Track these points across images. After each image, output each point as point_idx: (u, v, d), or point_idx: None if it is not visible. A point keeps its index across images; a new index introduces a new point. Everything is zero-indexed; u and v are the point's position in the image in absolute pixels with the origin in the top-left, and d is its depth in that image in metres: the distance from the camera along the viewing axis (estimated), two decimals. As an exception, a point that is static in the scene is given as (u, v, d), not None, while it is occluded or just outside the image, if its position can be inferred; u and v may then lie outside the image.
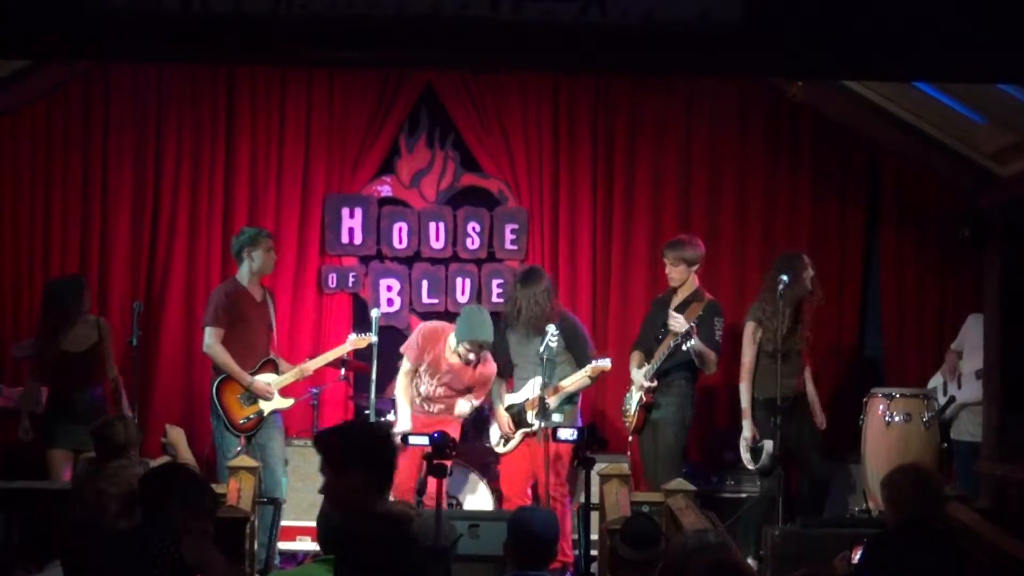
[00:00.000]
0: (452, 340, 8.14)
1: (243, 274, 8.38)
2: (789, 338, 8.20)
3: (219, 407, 8.19)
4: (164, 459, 6.81)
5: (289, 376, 8.31)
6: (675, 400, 8.27)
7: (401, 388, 8.24)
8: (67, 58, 8.25)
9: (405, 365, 8.27)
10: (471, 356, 8.07)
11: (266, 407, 8.22)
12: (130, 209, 9.45)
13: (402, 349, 8.34)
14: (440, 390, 8.22)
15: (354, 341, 8.50)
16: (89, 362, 8.32)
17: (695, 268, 8.42)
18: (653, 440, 8.31)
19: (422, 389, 8.25)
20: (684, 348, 8.14)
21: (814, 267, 8.38)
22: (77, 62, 8.84)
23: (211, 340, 8.28)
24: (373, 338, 8.44)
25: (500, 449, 8.43)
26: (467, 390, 8.22)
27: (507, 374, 8.42)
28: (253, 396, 8.21)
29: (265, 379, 8.24)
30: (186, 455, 6.83)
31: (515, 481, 8.37)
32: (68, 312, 8.30)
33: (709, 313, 8.28)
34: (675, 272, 8.40)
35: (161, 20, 5.63)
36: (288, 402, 8.32)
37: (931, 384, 8.57)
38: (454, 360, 8.16)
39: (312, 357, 8.66)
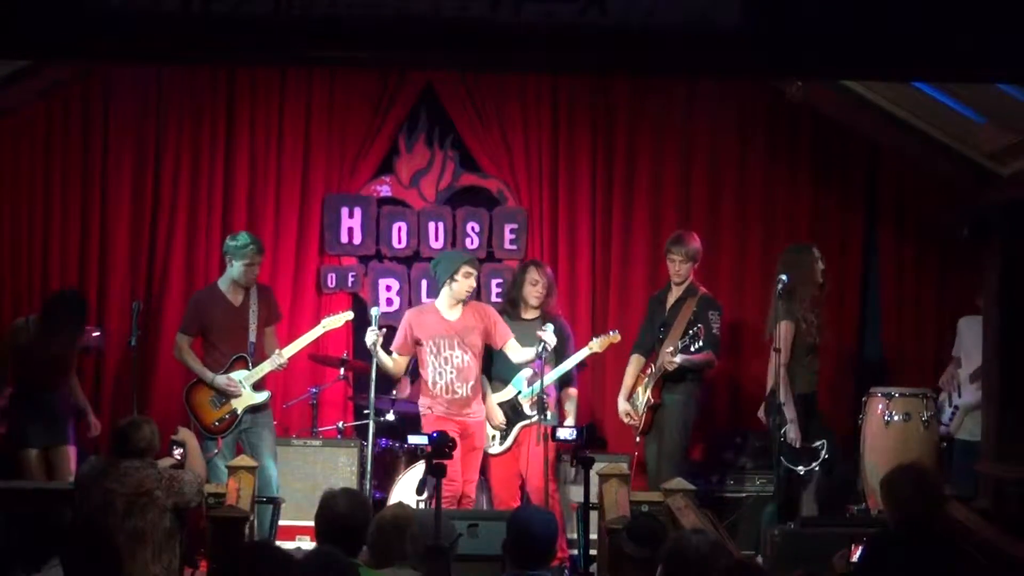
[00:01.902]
0: (444, 296, 8.19)
1: (224, 278, 8.35)
2: (820, 335, 8.21)
3: (189, 411, 8.22)
4: (169, 460, 6.84)
5: (264, 367, 8.19)
6: (680, 399, 8.27)
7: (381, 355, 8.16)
8: (67, 59, 8.24)
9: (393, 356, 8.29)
10: (472, 281, 8.18)
11: (238, 405, 8.17)
12: (129, 209, 9.44)
13: (392, 347, 8.32)
14: (467, 357, 8.12)
15: (327, 324, 8.45)
16: (64, 365, 8.40)
17: (696, 264, 8.46)
18: (658, 440, 8.32)
19: (451, 366, 8.12)
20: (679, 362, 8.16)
21: (824, 259, 8.35)
22: (77, 62, 8.83)
23: (179, 345, 8.35)
24: (349, 315, 8.55)
25: (494, 449, 8.40)
26: (485, 341, 8.20)
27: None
28: (225, 396, 8.20)
29: (236, 376, 8.18)
30: (196, 456, 6.84)
31: (506, 480, 8.36)
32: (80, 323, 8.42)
33: (703, 308, 8.29)
34: (683, 269, 8.43)
35: (161, 20, 5.63)
36: (263, 396, 8.21)
37: (939, 399, 8.52)
38: (455, 315, 8.17)
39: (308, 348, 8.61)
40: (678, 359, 8.12)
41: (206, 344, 8.35)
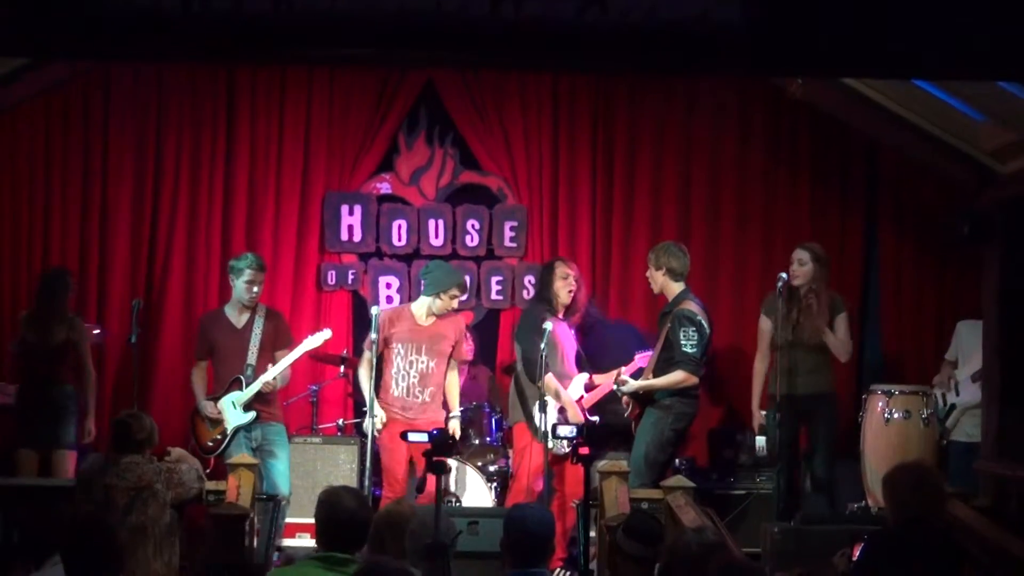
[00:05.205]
0: (423, 303, 8.22)
1: (232, 300, 8.40)
2: (799, 333, 8.20)
3: (191, 430, 8.35)
4: (176, 449, 6.90)
5: (253, 389, 8.20)
6: (655, 412, 8.08)
7: (364, 381, 8.17)
8: (66, 57, 8.23)
9: (365, 355, 8.23)
10: (455, 304, 8.23)
11: (229, 425, 8.20)
12: (130, 207, 9.45)
13: (364, 344, 8.32)
14: (432, 363, 8.17)
15: (307, 343, 8.36)
16: (61, 358, 8.33)
17: (662, 272, 8.19)
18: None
19: (415, 370, 8.16)
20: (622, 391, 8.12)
21: (812, 258, 8.29)
22: (76, 61, 8.82)
23: (192, 370, 8.46)
24: (327, 334, 8.47)
25: (564, 451, 8.06)
26: (452, 351, 8.27)
27: (539, 373, 7.97)
28: (218, 418, 8.23)
29: (231, 397, 8.20)
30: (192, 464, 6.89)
31: (532, 477, 8.26)
32: (60, 305, 8.33)
33: (676, 323, 8.02)
34: (649, 275, 8.34)
35: (161, 19, 5.62)
36: (249, 416, 8.17)
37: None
38: (428, 322, 8.22)
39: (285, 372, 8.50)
40: (625, 388, 8.06)
41: (212, 365, 8.40)
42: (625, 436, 8.47)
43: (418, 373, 8.18)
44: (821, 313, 8.22)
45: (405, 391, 8.18)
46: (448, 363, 8.32)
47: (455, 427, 8.29)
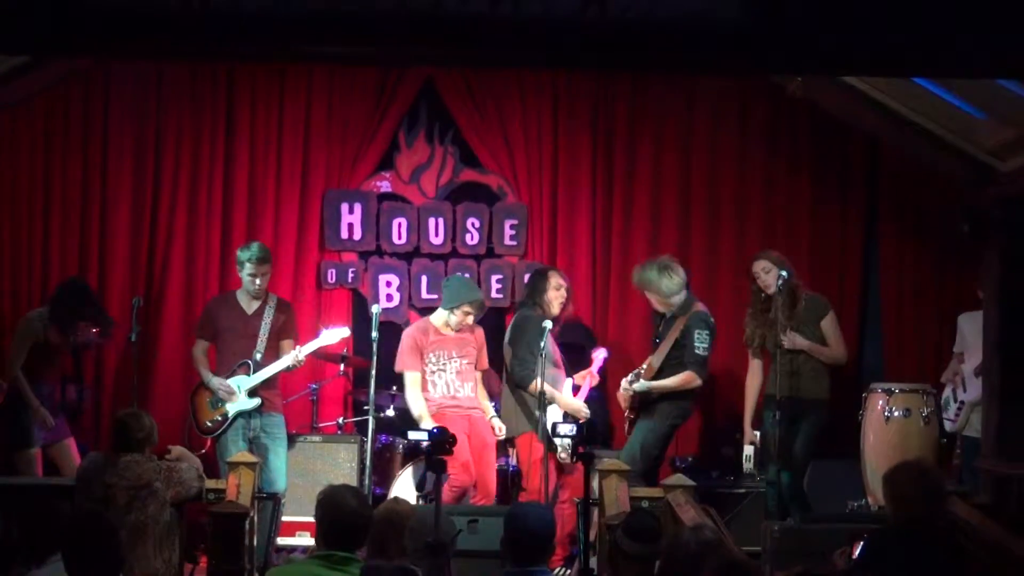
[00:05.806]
0: (441, 316, 8.42)
1: (242, 288, 8.44)
2: (769, 336, 8.26)
3: (191, 410, 8.36)
4: (176, 447, 6.91)
5: (262, 374, 8.22)
6: (661, 407, 8.21)
7: (416, 401, 8.29)
8: (64, 54, 8.22)
9: (410, 377, 8.36)
10: (469, 320, 8.39)
11: (231, 409, 8.21)
12: (130, 204, 9.44)
13: (398, 368, 8.43)
14: (465, 361, 8.41)
15: (327, 336, 8.45)
16: (60, 360, 8.41)
17: (671, 297, 8.33)
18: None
19: (451, 368, 8.36)
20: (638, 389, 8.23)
21: (781, 265, 8.30)
22: (75, 58, 8.82)
23: (194, 349, 8.47)
24: (346, 332, 8.62)
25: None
26: (476, 357, 8.48)
27: (533, 377, 8.19)
28: (220, 399, 8.23)
29: (237, 381, 8.22)
30: (192, 463, 6.89)
31: (541, 493, 8.27)
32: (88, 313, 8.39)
33: (691, 326, 8.20)
34: (655, 302, 8.41)
35: (160, 15, 5.61)
36: (254, 402, 8.20)
37: (944, 395, 8.54)
38: (450, 334, 8.41)
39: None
40: (637, 387, 8.19)
41: (216, 349, 8.41)
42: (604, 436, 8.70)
43: (454, 371, 8.40)
44: (796, 314, 8.31)
45: (446, 386, 8.38)
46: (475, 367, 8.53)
47: (501, 425, 8.43)
